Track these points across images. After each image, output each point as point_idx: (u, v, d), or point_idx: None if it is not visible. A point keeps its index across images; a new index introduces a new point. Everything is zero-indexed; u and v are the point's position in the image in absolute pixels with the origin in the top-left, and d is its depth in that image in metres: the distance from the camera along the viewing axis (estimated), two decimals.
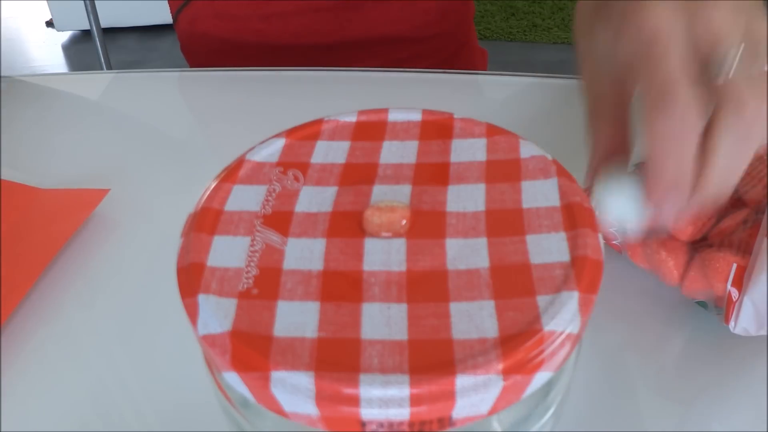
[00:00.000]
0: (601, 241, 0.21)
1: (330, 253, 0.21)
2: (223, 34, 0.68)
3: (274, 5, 0.65)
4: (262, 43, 0.67)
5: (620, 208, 0.26)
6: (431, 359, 0.17)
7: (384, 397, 0.17)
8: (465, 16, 0.72)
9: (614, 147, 0.28)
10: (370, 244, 0.21)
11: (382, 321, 0.19)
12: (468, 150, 0.24)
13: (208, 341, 0.18)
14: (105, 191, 0.44)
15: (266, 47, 0.68)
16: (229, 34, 0.68)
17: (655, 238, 0.34)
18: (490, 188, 0.23)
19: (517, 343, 0.18)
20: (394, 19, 0.67)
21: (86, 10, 1.55)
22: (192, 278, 0.20)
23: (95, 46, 1.61)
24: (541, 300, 0.19)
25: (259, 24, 0.67)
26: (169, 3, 0.73)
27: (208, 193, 0.23)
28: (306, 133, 0.26)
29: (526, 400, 0.18)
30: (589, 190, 0.27)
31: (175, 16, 0.72)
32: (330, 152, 0.25)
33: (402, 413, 0.17)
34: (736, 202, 0.34)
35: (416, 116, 0.26)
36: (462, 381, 0.17)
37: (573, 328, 0.18)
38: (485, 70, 0.78)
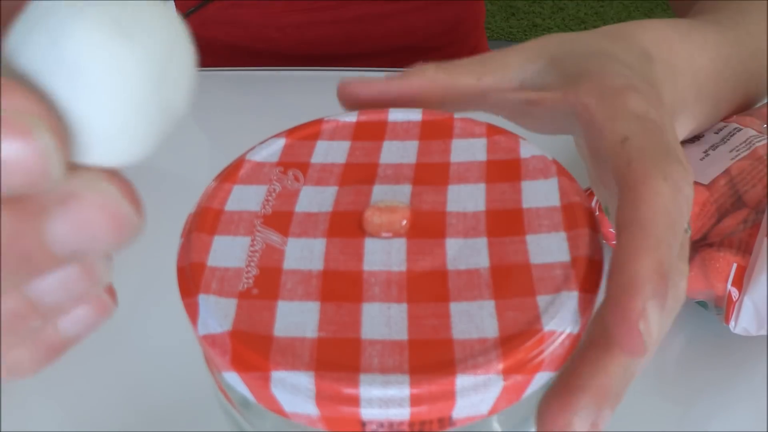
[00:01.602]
0: (602, 241, 0.21)
1: (330, 253, 0.21)
2: (234, 41, 0.67)
3: (292, 16, 0.65)
4: (275, 51, 0.67)
5: None
6: (431, 359, 0.17)
7: (384, 397, 0.17)
8: (477, 22, 0.72)
9: None
10: (370, 244, 0.21)
11: (382, 321, 0.19)
12: (468, 150, 0.24)
13: (208, 341, 0.18)
14: None
15: (279, 56, 0.67)
16: (241, 41, 0.67)
17: None
18: (490, 188, 0.23)
19: (517, 343, 0.18)
20: (412, 28, 0.66)
21: None
22: (192, 278, 0.20)
23: None
24: (542, 300, 0.19)
25: (274, 33, 0.66)
26: (175, 2, 0.72)
27: (208, 193, 0.23)
28: (306, 133, 0.26)
29: (526, 400, 0.18)
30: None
31: (183, 17, 0.71)
32: (330, 152, 0.25)
33: (402, 413, 0.17)
34: (736, 202, 0.34)
35: (416, 116, 0.26)
36: (462, 381, 0.17)
37: (573, 328, 0.18)
38: None
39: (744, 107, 0.39)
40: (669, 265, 0.19)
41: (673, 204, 0.20)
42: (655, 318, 0.18)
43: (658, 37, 0.32)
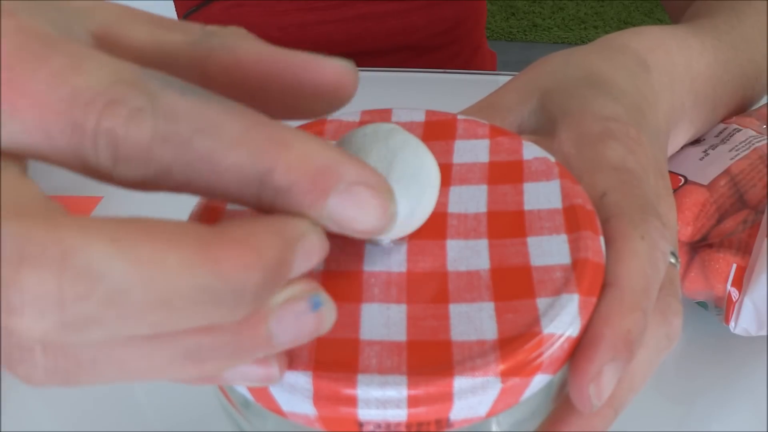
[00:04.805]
0: (603, 244, 0.21)
1: (330, 254, 0.21)
2: None
3: (294, 16, 0.65)
4: None
5: None
6: (430, 360, 0.17)
7: (382, 398, 0.17)
8: (478, 21, 0.72)
9: None
10: (371, 245, 0.21)
11: (381, 322, 0.19)
12: (471, 151, 0.24)
13: None
14: (98, 198, 0.43)
15: None
16: None
17: None
18: (492, 189, 0.22)
19: (516, 346, 0.17)
20: (413, 28, 0.66)
21: None
22: None
23: None
24: (541, 302, 0.19)
25: (275, 33, 0.66)
26: (175, 3, 0.72)
27: None
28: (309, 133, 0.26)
29: (524, 402, 0.18)
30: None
31: (184, 18, 0.71)
32: None
33: (399, 414, 0.17)
34: (736, 202, 0.34)
35: (419, 116, 0.26)
36: (460, 383, 0.17)
37: (572, 330, 0.18)
38: (495, 71, 0.78)
39: (741, 110, 0.39)
40: (639, 331, 0.20)
41: (649, 264, 0.21)
42: (610, 380, 0.19)
43: (655, 44, 0.32)
